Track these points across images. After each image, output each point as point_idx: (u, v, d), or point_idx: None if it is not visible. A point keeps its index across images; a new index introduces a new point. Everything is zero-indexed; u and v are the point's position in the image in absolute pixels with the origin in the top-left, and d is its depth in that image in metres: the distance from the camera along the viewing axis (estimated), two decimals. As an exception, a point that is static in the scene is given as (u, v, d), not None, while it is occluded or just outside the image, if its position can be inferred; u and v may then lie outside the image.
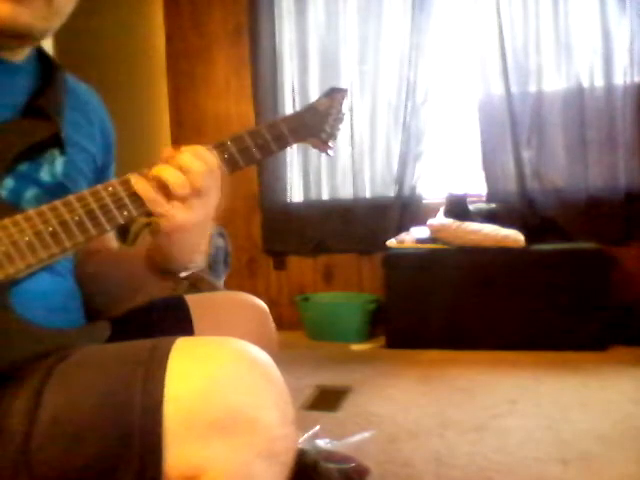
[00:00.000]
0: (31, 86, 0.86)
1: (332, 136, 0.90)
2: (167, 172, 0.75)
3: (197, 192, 0.76)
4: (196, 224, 0.79)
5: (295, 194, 3.49)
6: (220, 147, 0.81)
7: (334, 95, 0.91)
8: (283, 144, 0.86)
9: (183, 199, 0.76)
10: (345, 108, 0.92)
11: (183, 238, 0.81)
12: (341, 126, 0.91)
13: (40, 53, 0.91)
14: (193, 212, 0.77)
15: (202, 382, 0.63)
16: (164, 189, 0.76)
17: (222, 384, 0.63)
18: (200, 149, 0.78)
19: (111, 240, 1.04)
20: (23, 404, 0.64)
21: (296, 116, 0.89)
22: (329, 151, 0.91)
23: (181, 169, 0.76)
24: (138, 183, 0.76)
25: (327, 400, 2.21)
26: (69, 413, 0.63)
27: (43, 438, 0.63)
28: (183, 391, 0.63)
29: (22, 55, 0.87)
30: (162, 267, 0.87)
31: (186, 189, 0.75)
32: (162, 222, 0.78)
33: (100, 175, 0.96)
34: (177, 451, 0.62)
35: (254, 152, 0.83)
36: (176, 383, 0.63)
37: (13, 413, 0.64)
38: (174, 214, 0.77)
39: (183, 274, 0.88)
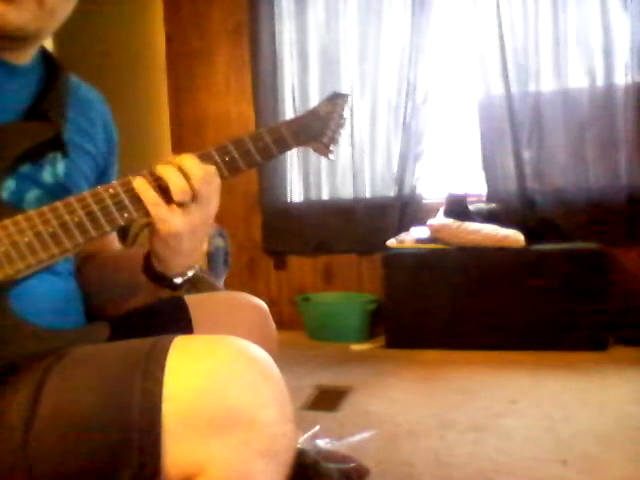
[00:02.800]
0: (35, 88, 0.86)
1: (333, 140, 0.90)
2: (171, 175, 0.75)
3: (196, 199, 0.76)
4: (193, 230, 0.78)
5: (295, 194, 3.49)
6: (221, 150, 0.81)
7: (336, 100, 0.91)
8: (284, 147, 0.86)
9: (183, 205, 0.76)
10: (347, 113, 0.93)
11: (179, 243, 0.80)
12: (343, 131, 0.92)
13: (45, 54, 0.91)
14: (191, 218, 0.77)
15: (201, 380, 0.63)
16: (165, 192, 0.76)
17: (221, 382, 0.63)
18: (199, 161, 0.78)
19: (113, 241, 1.04)
20: (22, 402, 0.65)
21: (297, 120, 0.89)
22: (330, 155, 0.91)
23: (184, 174, 0.75)
24: (140, 185, 0.75)
25: (327, 400, 2.21)
26: (68, 411, 0.64)
27: (42, 436, 0.63)
28: (182, 389, 0.63)
29: (26, 58, 0.86)
30: (157, 271, 0.86)
31: (187, 195, 0.75)
32: (159, 226, 0.77)
33: (102, 176, 0.96)
34: (176, 449, 0.62)
35: (255, 155, 0.83)
36: (175, 381, 0.63)
37: (12, 411, 0.64)
38: (172, 219, 0.76)
39: (178, 280, 0.87)
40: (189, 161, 0.76)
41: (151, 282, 0.87)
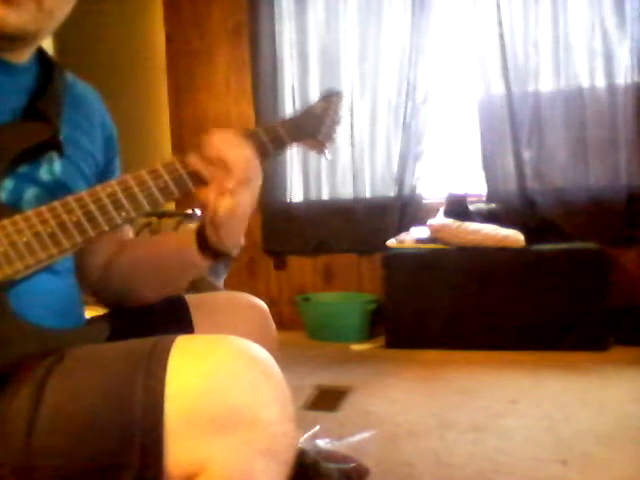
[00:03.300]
0: (32, 87, 0.86)
1: (329, 138, 0.91)
2: (235, 156, 0.77)
3: (241, 182, 0.78)
4: (242, 210, 0.81)
5: (295, 194, 3.49)
6: None
7: (330, 98, 0.92)
8: (281, 146, 0.87)
9: (229, 191, 0.78)
10: (342, 111, 0.94)
11: (231, 224, 0.82)
12: (338, 128, 0.92)
13: (41, 53, 0.91)
14: (239, 200, 0.79)
15: (202, 379, 0.63)
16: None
17: (222, 381, 0.63)
18: (234, 138, 0.80)
19: (128, 232, 1.05)
20: (23, 403, 0.65)
21: (293, 119, 0.90)
22: (326, 153, 0.92)
23: (225, 165, 0.77)
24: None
25: (327, 400, 2.21)
26: (69, 411, 0.64)
27: (44, 436, 0.63)
28: (183, 388, 0.63)
29: (25, 57, 0.87)
30: (213, 249, 0.88)
31: (231, 183, 0.77)
32: (208, 212, 0.80)
33: (103, 175, 0.96)
34: (178, 448, 0.62)
35: None
36: (176, 381, 0.63)
37: (13, 412, 0.64)
38: (220, 205, 0.78)
39: (236, 252, 0.90)
40: (226, 149, 0.78)
41: (208, 259, 0.89)
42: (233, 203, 0.79)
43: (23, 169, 0.81)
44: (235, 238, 0.86)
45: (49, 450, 0.63)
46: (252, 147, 0.81)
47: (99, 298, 1.01)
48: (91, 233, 0.74)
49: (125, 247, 0.99)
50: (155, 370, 0.64)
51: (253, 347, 0.68)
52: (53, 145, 0.82)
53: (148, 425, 0.61)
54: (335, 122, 0.91)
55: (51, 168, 0.85)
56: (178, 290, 0.98)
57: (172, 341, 0.67)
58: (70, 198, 0.74)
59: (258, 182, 0.81)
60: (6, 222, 0.71)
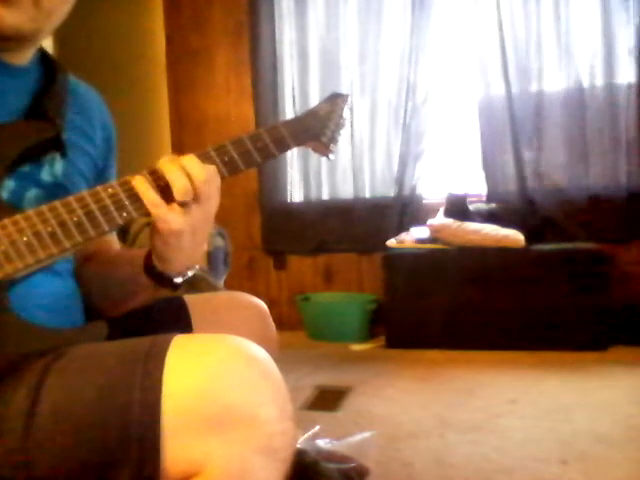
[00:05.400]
0: (34, 88, 0.86)
1: (333, 140, 0.91)
2: (174, 175, 0.75)
3: (198, 199, 0.76)
4: (193, 229, 0.78)
5: (295, 194, 3.49)
6: (220, 150, 0.81)
7: (335, 100, 0.92)
8: (283, 147, 0.86)
9: (184, 204, 0.76)
10: (346, 113, 0.93)
11: (180, 242, 0.79)
12: (342, 131, 0.92)
13: (43, 55, 0.91)
14: (191, 218, 0.77)
15: (200, 378, 0.63)
16: (165, 192, 0.76)
17: (220, 380, 0.63)
18: (198, 159, 0.78)
19: (113, 242, 1.04)
20: (21, 402, 0.65)
21: (296, 120, 0.89)
22: (330, 155, 0.91)
23: (187, 174, 0.75)
24: (140, 184, 0.75)
25: (327, 400, 2.21)
26: (67, 410, 0.64)
27: (41, 435, 0.63)
28: (181, 387, 0.63)
29: (26, 58, 0.87)
30: (158, 271, 0.85)
31: (189, 195, 0.75)
32: (160, 225, 0.77)
33: (101, 176, 0.96)
34: (175, 447, 0.62)
35: (254, 155, 0.83)
36: (174, 379, 0.63)
37: (11, 411, 0.64)
38: (172, 218, 0.76)
39: (178, 280, 0.86)
40: (191, 161, 0.76)
41: (151, 281, 0.87)
42: (185, 219, 0.76)
43: (25, 169, 0.81)
44: (185, 259, 0.83)
45: (47, 448, 0.63)
46: (225, 161, 0.80)
47: None
48: (92, 233, 0.74)
49: (92, 257, 0.98)
50: (153, 369, 0.64)
51: (251, 346, 0.68)
52: (55, 145, 0.82)
53: (146, 424, 0.62)
54: (339, 125, 0.91)
55: (52, 169, 0.85)
56: (120, 311, 0.95)
57: (170, 340, 0.67)
58: (71, 198, 0.74)
59: (215, 201, 0.79)
60: (7, 221, 0.71)
